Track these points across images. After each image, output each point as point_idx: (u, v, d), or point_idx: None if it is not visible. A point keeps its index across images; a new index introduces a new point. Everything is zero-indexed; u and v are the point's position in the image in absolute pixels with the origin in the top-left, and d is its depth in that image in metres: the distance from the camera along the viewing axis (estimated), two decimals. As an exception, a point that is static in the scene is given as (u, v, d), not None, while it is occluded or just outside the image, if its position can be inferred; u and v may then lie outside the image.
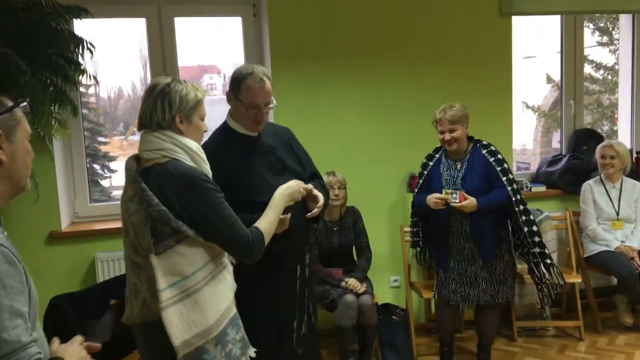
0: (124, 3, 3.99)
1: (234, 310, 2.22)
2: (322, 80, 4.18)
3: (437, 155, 3.68)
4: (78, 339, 1.58)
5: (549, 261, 3.57)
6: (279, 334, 2.64)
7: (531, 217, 3.54)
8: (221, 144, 2.55)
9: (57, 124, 3.59)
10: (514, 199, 3.47)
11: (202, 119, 2.22)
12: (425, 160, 3.74)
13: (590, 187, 4.41)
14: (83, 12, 3.47)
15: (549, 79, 10.62)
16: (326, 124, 4.21)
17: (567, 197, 4.64)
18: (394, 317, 4.05)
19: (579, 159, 4.73)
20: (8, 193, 1.44)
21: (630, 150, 4.76)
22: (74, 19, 3.55)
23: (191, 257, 2.06)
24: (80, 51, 3.51)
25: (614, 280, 4.40)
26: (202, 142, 2.25)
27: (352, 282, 3.73)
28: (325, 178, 3.77)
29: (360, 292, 3.69)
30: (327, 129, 4.20)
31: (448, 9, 4.32)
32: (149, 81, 14.97)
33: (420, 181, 3.70)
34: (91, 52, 3.52)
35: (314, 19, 4.11)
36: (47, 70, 3.35)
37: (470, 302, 3.65)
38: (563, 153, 4.95)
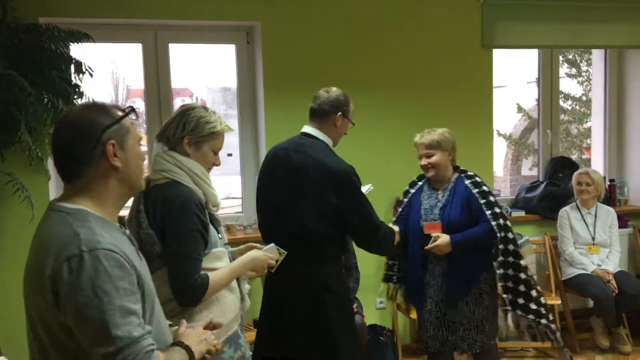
0: (123, 29, 4.08)
1: (234, 329, 2.26)
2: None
3: (420, 183, 3.47)
4: (202, 323, 1.71)
5: (544, 316, 3.29)
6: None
7: (521, 262, 3.24)
8: None
9: (54, 145, 3.64)
10: (499, 235, 3.16)
11: (216, 152, 2.28)
12: (407, 188, 3.54)
13: (567, 213, 4.60)
14: (84, 37, 3.54)
15: (520, 109, 10.99)
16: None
17: (545, 222, 4.83)
18: (381, 337, 4.14)
19: (556, 185, 4.94)
20: (126, 194, 1.57)
21: (604, 178, 4.99)
22: (73, 43, 3.63)
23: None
24: (79, 74, 3.58)
25: (591, 303, 4.58)
26: (209, 172, 2.28)
27: None
28: None
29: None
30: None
31: (434, 41, 4.50)
32: (120, 103, 14.90)
33: (400, 209, 3.49)
34: (90, 75, 3.59)
35: (307, 48, 4.25)
36: (49, 91, 3.41)
37: (448, 350, 3.32)
38: (540, 180, 5.15)
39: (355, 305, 3.83)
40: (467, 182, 3.29)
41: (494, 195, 3.29)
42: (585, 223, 4.55)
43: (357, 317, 3.75)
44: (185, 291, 2.08)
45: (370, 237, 2.79)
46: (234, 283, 2.32)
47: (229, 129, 2.33)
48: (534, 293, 3.28)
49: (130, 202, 2.22)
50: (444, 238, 3.16)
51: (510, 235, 3.23)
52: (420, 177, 3.52)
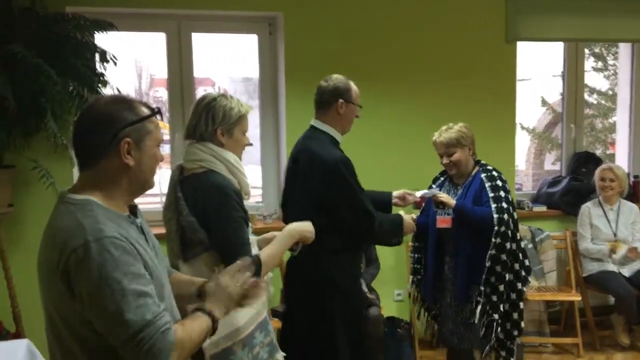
0: (147, 19, 4.12)
1: (264, 315, 2.30)
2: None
3: (442, 179, 3.50)
4: (230, 267, 1.70)
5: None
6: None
7: (515, 265, 3.15)
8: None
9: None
10: (496, 227, 3.08)
11: (244, 133, 2.33)
12: (430, 184, 3.56)
13: (589, 210, 4.55)
14: (109, 26, 3.58)
15: (544, 102, 10.85)
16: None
17: (567, 218, 4.78)
18: (399, 330, 4.15)
19: (579, 180, 4.88)
20: (135, 192, 1.58)
21: (628, 174, 4.92)
22: (98, 32, 3.66)
23: (209, 269, 2.12)
24: (104, 63, 3.63)
25: (611, 300, 4.54)
26: (242, 154, 2.35)
27: None
28: None
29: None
30: (337, 146, 4.31)
31: (457, 33, 4.47)
32: (143, 92, 14.75)
33: (423, 204, 3.38)
34: (115, 63, 3.63)
35: (329, 39, 4.24)
36: (74, 80, 3.46)
37: (466, 347, 3.28)
38: (563, 175, 5.10)
39: (372, 297, 3.85)
40: (482, 175, 3.26)
41: (506, 190, 3.21)
42: (607, 219, 4.50)
43: (373, 309, 3.77)
44: None
45: (363, 228, 2.79)
46: None
47: (250, 109, 2.37)
48: (506, 306, 3.14)
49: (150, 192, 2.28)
50: (451, 199, 3.18)
51: (509, 232, 3.10)
52: (442, 173, 3.53)
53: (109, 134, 1.47)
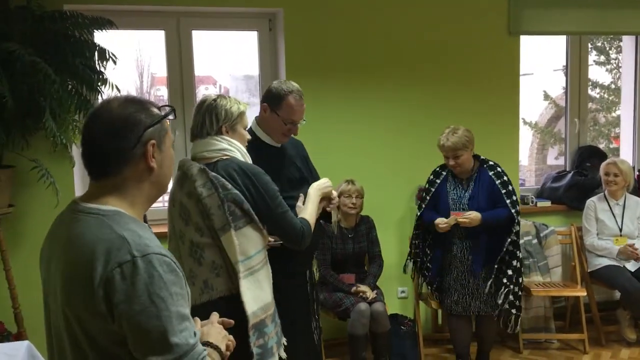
0: (145, 16, 4.08)
1: (274, 307, 2.47)
2: (335, 94, 4.27)
3: (444, 173, 3.78)
4: (215, 317, 1.66)
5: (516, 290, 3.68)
6: (300, 336, 2.77)
7: (517, 255, 3.67)
8: (252, 151, 2.68)
9: (78, 131, 3.66)
10: (516, 220, 3.59)
11: (245, 128, 2.52)
12: (431, 177, 3.84)
13: (594, 204, 4.50)
14: (108, 24, 3.54)
15: (546, 96, 10.80)
16: (338, 137, 4.29)
17: (572, 213, 4.75)
18: (402, 327, 4.12)
19: (583, 175, 4.84)
20: (155, 196, 1.53)
21: (633, 168, 4.87)
22: (97, 30, 3.63)
23: (254, 240, 2.35)
24: (104, 61, 3.59)
25: (617, 295, 4.50)
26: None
27: (363, 288, 3.83)
28: (344, 186, 3.96)
29: (369, 298, 3.76)
30: (338, 142, 4.29)
31: (459, 28, 4.43)
32: (145, 91, 14.63)
33: (428, 197, 3.79)
34: (114, 62, 3.60)
35: (329, 35, 4.21)
36: (73, 79, 3.43)
37: (471, 313, 3.75)
38: (567, 169, 5.06)
39: (375, 292, 3.81)
40: (490, 173, 3.67)
41: (511, 183, 3.67)
42: (613, 214, 4.46)
43: (377, 305, 3.74)
44: (301, 239, 2.45)
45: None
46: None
47: (247, 105, 2.56)
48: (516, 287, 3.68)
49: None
50: (475, 214, 3.54)
51: (518, 219, 3.61)
52: (442, 167, 3.82)
53: (132, 138, 1.40)
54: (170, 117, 1.51)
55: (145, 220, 1.57)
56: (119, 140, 1.41)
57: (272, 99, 2.75)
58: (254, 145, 2.71)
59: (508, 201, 3.59)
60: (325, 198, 2.75)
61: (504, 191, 3.61)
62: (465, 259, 3.69)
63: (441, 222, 3.61)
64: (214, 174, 2.32)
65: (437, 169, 3.84)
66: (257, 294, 2.32)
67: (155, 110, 1.49)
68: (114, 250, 1.32)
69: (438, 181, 3.78)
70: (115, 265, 1.31)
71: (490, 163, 3.71)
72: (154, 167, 1.46)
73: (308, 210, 2.58)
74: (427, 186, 3.84)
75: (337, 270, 3.96)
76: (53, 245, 1.49)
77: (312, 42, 4.19)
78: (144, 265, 1.31)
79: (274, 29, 4.29)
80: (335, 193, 2.81)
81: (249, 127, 2.79)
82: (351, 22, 4.24)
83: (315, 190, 2.67)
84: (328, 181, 2.76)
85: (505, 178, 3.65)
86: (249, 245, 2.32)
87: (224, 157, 2.41)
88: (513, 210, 3.58)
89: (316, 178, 2.93)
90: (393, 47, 4.34)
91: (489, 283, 3.65)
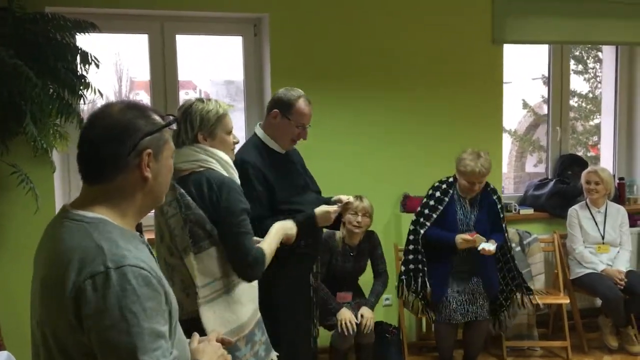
0: (129, 20, 4.02)
1: (259, 315, 2.36)
2: (320, 100, 4.18)
3: (451, 192, 3.76)
4: (214, 335, 1.61)
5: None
6: (301, 337, 2.82)
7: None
8: (263, 158, 2.73)
9: (59, 136, 3.59)
10: (508, 243, 3.90)
11: (229, 132, 2.34)
12: (438, 194, 3.78)
13: (577, 212, 4.54)
14: (91, 27, 3.48)
15: (525, 104, 10.93)
16: (322, 143, 4.26)
17: (554, 221, 4.78)
18: (387, 335, 4.09)
19: (565, 183, 4.88)
20: (148, 207, 1.47)
21: (613, 176, 4.93)
22: (80, 34, 3.56)
23: (222, 260, 2.21)
24: (86, 65, 3.53)
25: (598, 302, 4.53)
26: (234, 154, 2.41)
27: (345, 315, 3.59)
28: (352, 200, 3.74)
29: (350, 328, 3.58)
30: (323, 148, 4.25)
31: (443, 35, 4.45)
32: (123, 95, 14.55)
33: (434, 215, 3.73)
34: (97, 65, 3.54)
35: (315, 41, 4.19)
36: (54, 82, 3.36)
37: (469, 319, 3.73)
38: (549, 177, 5.10)
39: (355, 323, 3.64)
40: (494, 197, 3.80)
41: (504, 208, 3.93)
42: (595, 222, 4.49)
43: (363, 309, 3.70)
44: (251, 266, 2.22)
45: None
46: None
47: (230, 107, 2.40)
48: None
49: None
50: (493, 246, 3.58)
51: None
52: (447, 184, 3.79)
53: (128, 145, 1.36)
54: (173, 126, 1.47)
55: (140, 229, 1.51)
56: (115, 145, 1.37)
57: (282, 105, 2.80)
58: (264, 152, 2.77)
59: (504, 225, 3.81)
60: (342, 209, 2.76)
61: (502, 216, 3.79)
62: (463, 270, 3.75)
63: (465, 239, 3.57)
64: (181, 191, 2.19)
65: (443, 187, 3.78)
66: (225, 316, 2.19)
67: (157, 118, 1.44)
68: (89, 261, 1.28)
69: (446, 199, 3.74)
70: (87, 276, 1.26)
71: (492, 186, 3.81)
72: (148, 177, 1.40)
73: (266, 242, 2.35)
74: (432, 203, 3.78)
75: (333, 287, 3.77)
76: (39, 253, 1.45)
77: (297, 48, 4.17)
78: (117, 277, 1.26)
79: (259, 34, 4.26)
80: (345, 198, 2.82)
81: (259, 133, 2.82)
82: (336, 28, 4.23)
83: (278, 229, 2.47)
84: (294, 227, 2.55)
85: (502, 203, 3.86)
86: (215, 267, 2.19)
87: (199, 170, 2.25)
88: (505, 234, 3.82)
89: (315, 185, 2.99)
90: (378, 54, 4.33)
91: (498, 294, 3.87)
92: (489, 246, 3.57)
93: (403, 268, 3.86)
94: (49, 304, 1.33)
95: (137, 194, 1.42)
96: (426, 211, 3.78)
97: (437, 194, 3.78)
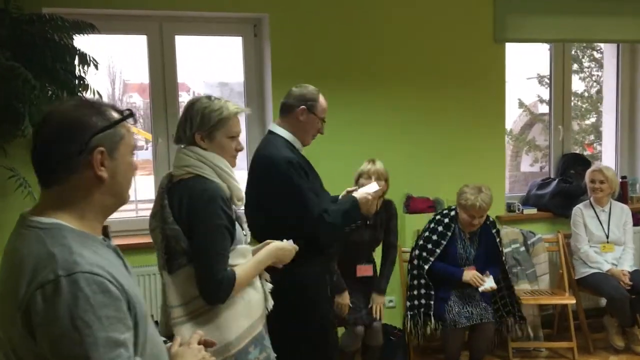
0: (127, 20, 3.95)
1: (259, 330, 2.19)
2: (321, 100, 4.20)
3: (453, 226, 3.78)
4: (195, 337, 1.56)
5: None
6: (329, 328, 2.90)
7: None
8: (297, 156, 2.71)
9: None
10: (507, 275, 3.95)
11: (232, 137, 2.17)
12: (441, 229, 3.80)
13: (581, 211, 4.50)
14: (89, 28, 3.41)
15: (521, 104, 10.93)
16: (323, 143, 4.18)
17: (558, 220, 4.74)
18: (391, 337, 4.04)
19: (568, 182, 4.85)
20: (110, 207, 1.40)
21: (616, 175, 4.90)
22: (78, 35, 3.50)
23: None
24: (84, 66, 3.46)
25: (603, 302, 4.50)
26: (235, 161, 2.23)
27: (377, 304, 3.70)
28: (363, 165, 3.67)
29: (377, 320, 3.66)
30: (323, 149, 4.18)
31: (444, 35, 4.41)
32: (117, 97, 14.41)
33: (438, 250, 3.76)
34: (96, 66, 3.47)
35: (316, 41, 4.14)
36: (53, 84, 3.29)
37: (474, 322, 3.69)
38: (551, 177, 5.06)
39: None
40: (493, 230, 3.82)
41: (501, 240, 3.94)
42: (599, 221, 4.46)
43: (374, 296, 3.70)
44: (213, 288, 2.01)
45: (308, 228, 2.60)
46: (258, 282, 2.23)
47: (240, 110, 2.21)
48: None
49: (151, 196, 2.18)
50: (494, 283, 3.69)
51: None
52: (449, 218, 3.81)
53: (78, 143, 1.28)
54: (130, 121, 1.38)
55: (106, 233, 1.42)
56: (65, 144, 1.29)
57: (308, 101, 2.79)
58: (295, 151, 2.75)
59: (502, 256, 3.86)
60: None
61: (500, 249, 3.83)
62: (466, 294, 3.79)
63: (477, 280, 3.66)
64: (165, 202, 2.06)
65: (446, 221, 3.81)
66: (208, 336, 1.98)
67: (114, 115, 1.36)
68: (40, 269, 1.22)
69: (449, 234, 3.77)
70: (37, 286, 1.20)
71: (491, 219, 3.84)
72: (104, 177, 1.33)
73: (251, 263, 2.14)
74: (435, 238, 3.79)
75: (350, 261, 3.64)
76: (1, 263, 1.37)
77: (297, 48, 4.11)
78: (68, 285, 1.19)
79: (259, 34, 4.21)
80: (373, 188, 2.81)
81: (281, 133, 2.76)
82: (337, 28, 4.18)
83: (270, 253, 2.24)
84: (292, 247, 2.35)
85: (500, 237, 3.89)
86: (192, 286, 2.01)
87: (187, 176, 2.09)
88: (505, 266, 3.92)
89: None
90: (378, 53, 4.29)
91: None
92: (490, 284, 3.68)
93: (409, 304, 3.87)
94: (5, 315, 1.27)
95: (94, 194, 1.34)
96: (429, 246, 3.78)
97: (440, 228, 3.80)
